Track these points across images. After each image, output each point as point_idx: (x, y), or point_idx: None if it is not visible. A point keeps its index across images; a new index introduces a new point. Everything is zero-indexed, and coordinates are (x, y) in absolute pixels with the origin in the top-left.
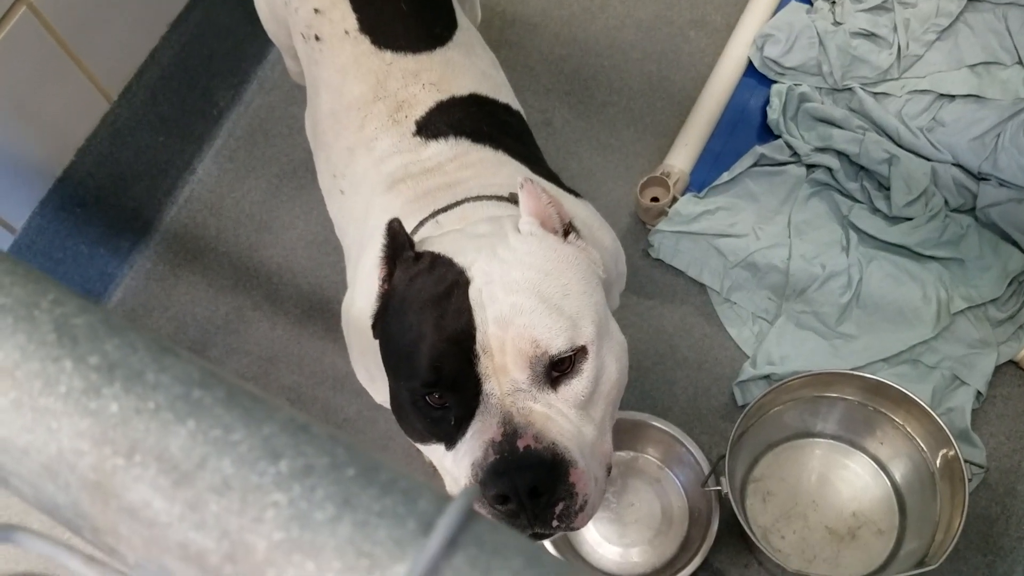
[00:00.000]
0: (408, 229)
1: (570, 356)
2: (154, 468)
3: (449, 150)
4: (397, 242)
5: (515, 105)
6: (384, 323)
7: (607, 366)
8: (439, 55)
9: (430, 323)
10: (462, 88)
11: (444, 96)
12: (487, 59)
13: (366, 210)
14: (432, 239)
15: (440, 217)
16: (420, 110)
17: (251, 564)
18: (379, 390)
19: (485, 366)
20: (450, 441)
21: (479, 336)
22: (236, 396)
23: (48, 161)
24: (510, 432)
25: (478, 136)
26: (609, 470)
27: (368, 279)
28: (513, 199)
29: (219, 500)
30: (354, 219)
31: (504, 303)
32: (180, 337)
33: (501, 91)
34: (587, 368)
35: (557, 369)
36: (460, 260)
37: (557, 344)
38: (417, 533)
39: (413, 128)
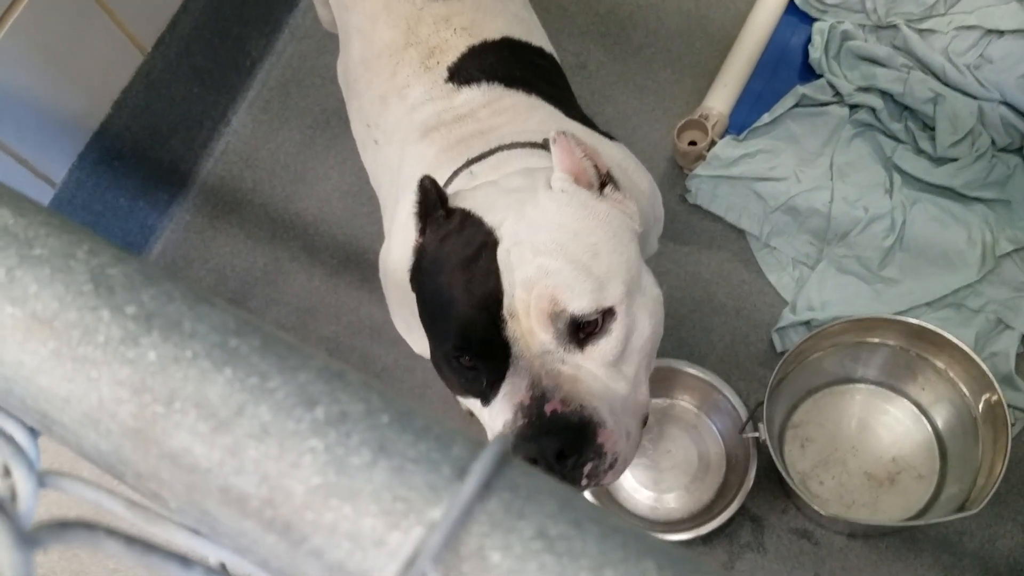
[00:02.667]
0: (442, 179)
1: (597, 318)
2: (193, 415)
3: (482, 96)
4: (428, 200)
5: (548, 48)
6: (419, 279)
7: (639, 322)
8: None
9: (459, 286)
10: (494, 32)
11: (476, 41)
12: (519, 0)
13: (400, 160)
14: (465, 193)
15: (474, 167)
16: (452, 55)
17: (290, 508)
18: (416, 340)
19: (513, 330)
20: (485, 399)
21: (506, 300)
22: (272, 344)
23: (85, 115)
24: (538, 395)
25: (511, 81)
26: (645, 420)
27: (404, 230)
28: (547, 146)
29: (258, 446)
30: (388, 169)
31: (531, 265)
32: (220, 289)
33: (534, 34)
34: (616, 328)
35: (584, 330)
36: (490, 218)
37: (579, 304)
38: (451, 478)
39: (445, 74)
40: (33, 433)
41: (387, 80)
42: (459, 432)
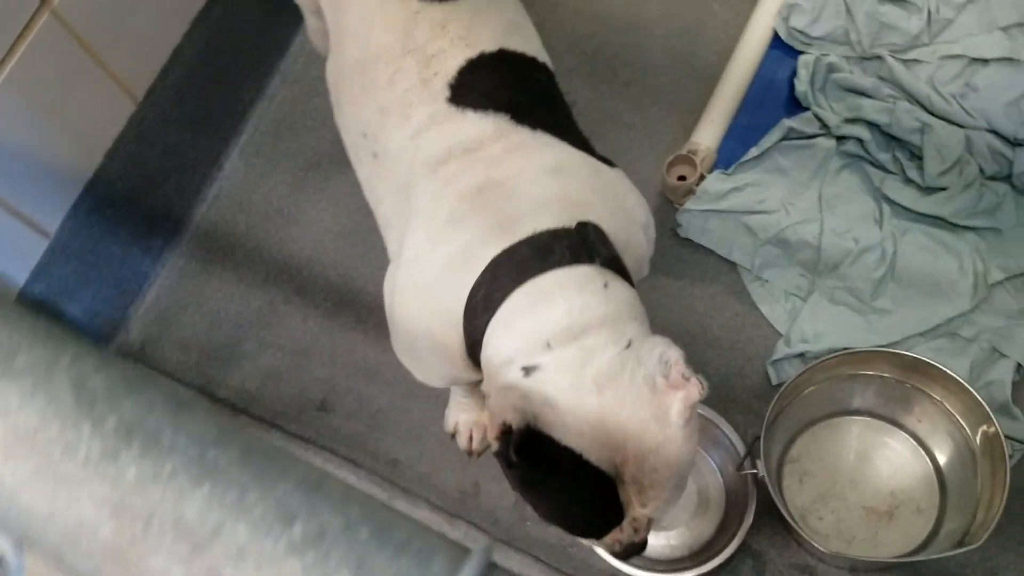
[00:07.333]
0: (478, 265)
1: None
2: (171, 536)
3: (489, 126)
4: (507, 456)
5: (542, 56)
6: (534, 478)
7: None
8: (465, 3)
9: (582, 523)
10: (491, 42)
11: (474, 53)
12: (513, 5)
13: (407, 182)
14: (567, 412)
15: (550, 337)
16: (451, 69)
17: None
18: (419, 368)
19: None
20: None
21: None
22: (251, 454)
23: (78, 165)
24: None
25: (516, 111)
26: None
27: (416, 259)
28: (580, 231)
29: (235, 569)
30: (393, 187)
31: (657, 494)
32: (214, 334)
33: (531, 41)
34: None
35: None
36: (603, 454)
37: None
38: None
39: (446, 93)
40: (20, 546)
41: (385, 90)
42: (441, 542)
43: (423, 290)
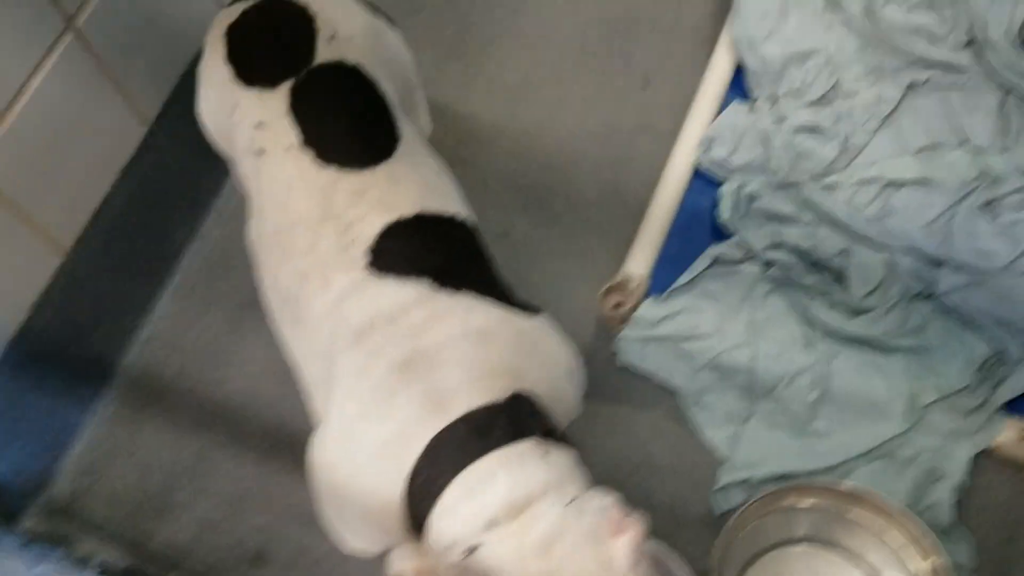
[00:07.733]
0: (416, 451)
1: None
2: None
3: (411, 293)
4: None
5: (462, 213)
6: None
7: None
8: (383, 170)
9: None
10: (408, 206)
11: (391, 218)
12: (432, 167)
13: (330, 348)
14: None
15: (497, 514)
16: (369, 234)
17: None
18: (353, 538)
19: None
20: None
21: None
22: None
23: (2, 322)
24: None
25: (437, 275)
26: None
27: (345, 438)
28: (513, 405)
29: None
30: (315, 351)
31: None
32: (146, 483)
33: (447, 198)
34: None
35: None
36: None
37: None
38: None
39: (366, 259)
40: None
41: (305, 255)
42: None
43: (357, 469)
